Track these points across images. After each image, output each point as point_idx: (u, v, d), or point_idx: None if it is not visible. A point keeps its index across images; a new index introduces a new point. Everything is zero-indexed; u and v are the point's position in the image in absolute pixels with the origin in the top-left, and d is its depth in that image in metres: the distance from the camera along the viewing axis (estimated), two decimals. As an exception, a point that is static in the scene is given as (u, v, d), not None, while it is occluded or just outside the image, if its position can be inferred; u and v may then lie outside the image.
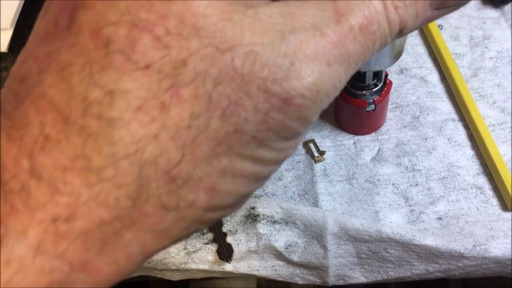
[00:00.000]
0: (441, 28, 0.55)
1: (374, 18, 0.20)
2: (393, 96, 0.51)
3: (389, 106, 0.51)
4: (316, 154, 0.49)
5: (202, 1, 0.16)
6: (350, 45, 0.19)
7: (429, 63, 0.53)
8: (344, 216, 0.44)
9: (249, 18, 0.18)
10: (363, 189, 0.47)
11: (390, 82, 0.45)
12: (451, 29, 0.55)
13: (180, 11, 0.16)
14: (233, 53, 0.17)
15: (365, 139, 0.50)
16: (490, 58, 0.53)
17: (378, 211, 0.45)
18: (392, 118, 0.50)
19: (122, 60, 0.16)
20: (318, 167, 0.48)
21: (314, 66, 0.18)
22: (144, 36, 0.16)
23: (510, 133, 0.48)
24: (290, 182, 0.48)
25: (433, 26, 0.54)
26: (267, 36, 0.18)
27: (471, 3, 0.56)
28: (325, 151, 0.49)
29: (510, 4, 0.56)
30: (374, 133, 0.50)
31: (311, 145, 0.49)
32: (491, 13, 0.56)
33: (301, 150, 0.50)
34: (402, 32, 0.20)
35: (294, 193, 0.48)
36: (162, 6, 0.16)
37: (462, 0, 0.22)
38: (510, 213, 0.44)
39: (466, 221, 0.44)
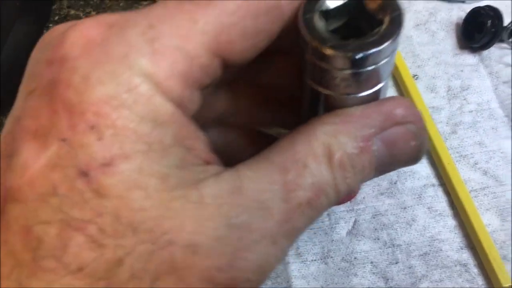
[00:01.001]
0: (417, 78, 0.51)
1: (322, 191, 0.20)
2: (368, 158, 0.47)
3: (365, 170, 0.47)
4: (287, 230, 0.44)
5: (140, 194, 0.15)
6: (297, 220, 0.19)
7: (405, 119, 0.49)
8: (319, 307, 0.40)
9: (191, 204, 0.17)
10: (339, 269, 0.43)
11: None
12: (427, 79, 0.51)
13: (116, 207, 0.15)
14: (172, 247, 0.16)
15: (340, 210, 0.45)
16: (469, 111, 0.49)
17: (356, 297, 0.41)
18: (368, 184, 0.46)
19: (53, 263, 0.15)
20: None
21: (260, 249, 0.18)
22: (77, 236, 0.15)
23: (494, 199, 0.44)
24: (260, 263, 0.44)
25: (407, 77, 0.50)
26: (211, 223, 0.17)
27: (448, 48, 0.52)
28: (297, 226, 0.45)
29: (489, 49, 0.52)
30: (349, 203, 0.46)
31: (282, 219, 0.45)
32: (469, 59, 0.52)
33: (271, 225, 0.45)
34: (347, 194, 0.21)
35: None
36: (96, 203, 0.15)
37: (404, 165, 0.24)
38: (498, 294, 0.40)
39: (451, 306, 0.40)
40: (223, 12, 0.19)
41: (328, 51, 0.21)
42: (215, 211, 0.17)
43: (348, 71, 0.21)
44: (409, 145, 0.23)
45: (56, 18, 0.62)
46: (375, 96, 0.23)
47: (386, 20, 0.21)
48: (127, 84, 0.16)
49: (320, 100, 0.23)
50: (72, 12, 0.62)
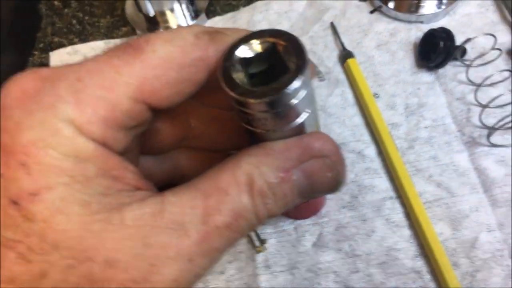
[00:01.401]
0: (377, 96, 0.55)
1: (241, 216, 0.22)
2: (332, 174, 0.51)
3: (329, 185, 0.50)
4: (257, 243, 0.48)
5: (62, 218, 0.18)
6: (215, 241, 0.21)
7: (366, 136, 0.53)
8: (285, 315, 0.44)
9: (112, 225, 0.20)
10: (304, 279, 0.47)
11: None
12: (387, 97, 0.55)
13: (42, 229, 0.18)
14: (91, 262, 0.19)
15: (306, 223, 0.49)
16: (425, 127, 0.53)
17: (320, 305, 0.45)
18: (332, 198, 0.50)
19: None
20: (259, 257, 0.48)
21: (175, 265, 0.20)
22: (9, 252, 0.18)
23: (447, 210, 0.48)
24: (232, 276, 0.48)
25: (368, 95, 0.54)
26: (129, 242, 0.20)
27: (406, 67, 0.56)
28: (266, 240, 0.49)
29: (444, 67, 0.55)
30: (314, 216, 0.49)
31: (252, 234, 0.49)
32: (426, 77, 0.56)
33: (242, 239, 0.49)
34: (271, 217, 0.23)
35: (236, 287, 0.47)
36: (26, 226, 0.18)
37: (326, 193, 0.27)
38: (448, 298, 0.44)
39: (405, 311, 0.44)
40: (147, 66, 0.22)
41: (237, 97, 0.23)
42: (134, 231, 0.20)
43: (262, 113, 0.24)
44: (325, 176, 0.26)
45: (41, 45, 0.65)
46: (299, 128, 0.25)
47: (292, 67, 0.23)
48: (52, 128, 0.19)
49: (251, 134, 0.26)
50: (56, 39, 0.66)
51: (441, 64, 0.54)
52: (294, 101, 0.24)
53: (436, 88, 0.55)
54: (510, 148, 0.50)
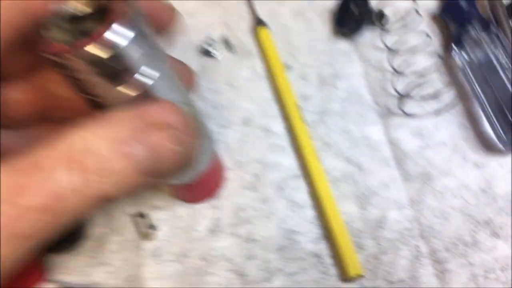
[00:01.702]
0: (289, 67, 0.50)
1: (63, 197, 0.19)
2: (236, 153, 0.46)
3: (230, 165, 0.46)
4: (146, 230, 0.43)
5: None
6: (25, 225, 0.18)
7: (274, 110, 0.48)
8: (165, 308, 0.39)
9: None
10: (195, 268, 0.42)
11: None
12: (300, 68, 0.50)
13: None
14: None
15: (203, 207, 0.44)
16: (338, 99, 0.48)
17: (208, 296, 0.40)
18: (234, 179, 0.45)
19: None
20: (148, 246, 0.43)
21: None
22: None
23: (355, 187, 0.43)
24: (116, 268, 0.43)
25: (277, 66, 0.49)
26: None
27: (322, 35, 0.51)
28: (157, 226, 0.44)
29: (361, 34, 0.50)
30: (213, 199, 0.44)
31: (142, 220, 0.44)
32: (342, 45, 0.51)
33: (131, 226, 0.44)
34: (111, 200, 0.20)
35: (120, 280, 0.42)
36: None
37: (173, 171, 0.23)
38: (350, 284, 0.39)
39: (301, 299, 0.39)
40: None
41: (50, 56, 0.21)
42: None
43: (85, 74, 0.21)
44: (171, 150, 0.22)
45: None
46: (144, 99, 0.23)
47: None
48: None
49: (92, 104, 0.23)
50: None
51: (356, 29, 0.49)
52: (118, 57, 0.21)
53: (352, 56, 0.50)
54: (427, 118, 0.45)
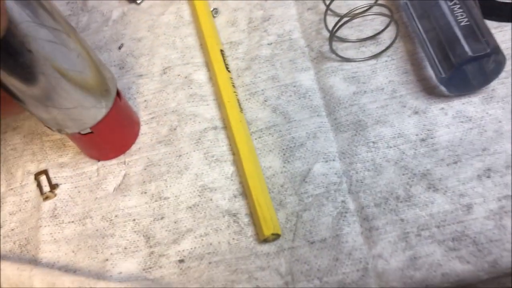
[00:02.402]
0: (216, 12, 0.44)
1: None
2: (151, 104, 0.41)
3: (145, 117, 0.40)
4: (46, 189, 0.38)
5: None
6: None
7: (198, 58, 0.42)
8: (54, 273, 0.34)
9: None
10: (96, 230, 0.36)
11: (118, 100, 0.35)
12: (228, 12, 0.44)
13: None
14: None
15: (111, 163, 0.39)
16: (268, 44, 0.42)
17: (107, 259, 0.35)
18: (146, 133, 0.40)
19: None
20: (46, 206, 0.38)
21: None
22: None
23: (280, 139, 0.37)
24: (12, 230, 0.37)
25: (202, 10, 0.43)
26: None
27: (257, -23, 0.45)
28: (58, 185, 0.38)
29: (297, -26, 0.44)
30: (123, 154, 0.39)
31: (43, 178, 0.38)
32: (277, -13, 0.45)
33: (31, 185, 0.39)
34: None
35: (15, 244, 0.37)
36: None
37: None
38: (266, 246, 0.34)
39: (209, 262, 0.34)
40: None
41: None
42: None
43: None
44: None
45: None
46: None
47: None
48: None
49: None
50: None
51: (290, -32, 0.43)
52: None
53: (287, -2, 0.44)
54: (364, 61, 0.39)
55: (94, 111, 0.33)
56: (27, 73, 0.27)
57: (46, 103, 0.30)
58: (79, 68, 0.30)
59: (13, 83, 0.28)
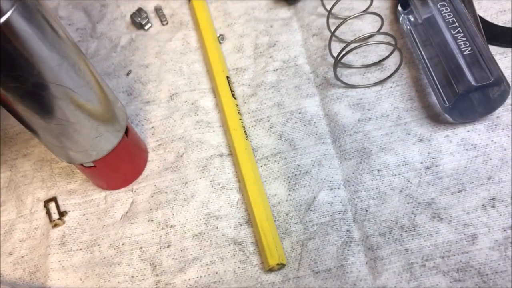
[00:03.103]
0: (223, 38, 0.45)
1: None
2: (159, 131, 0.41)
3: (152, 144, 0.41)
4: (55, 217, 0.38)
5: None
6: None
7: (204, 84, 0.43)
8: (62, 303, 0.34)
9: None
10: (104, 258, 0.37)
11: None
12: (234, 39, 0.45)
13: None
14: None
15: (118, 191, 0.39)
16: (274, 70, 0.42)
17: (115, 288, 0.35)
18: (154, 160, 0.40)
19: None
20: (55, 233, 0.38)
21: None
22: None
23: (285, 166, 0.38)
24: (22, 257, 0.38)
25: (208, 36, 0.43)
26: None
27: (262, 3, 0.46)
28: (67, 212, 0.39)
29: (304, 0, 0.45)
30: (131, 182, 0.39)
31: (52, 205, 0.39)
32: (282, 13, 0.45)
33: (41, 212, 0.39)
34: None
35: (24, 271, 0.37)
36: None
37: None
38: (271, 275, 0.34)
39: (215, 292, 0.34)
40: None
41: None
42: None
43: None
44: None
45: None
46: None
47: None
48: None
49: None
50: None
51: (295, -6, 0.44)
52: None
53: (292, 24, 0.44)
54: (368, 88, 0.39)
55: (108, 143, 0.33)
56: (46, 106, 0.27)
57: (58, 137, 0.30)
58: (92, 100, 0.30)
59: (29, 116, 0.28)
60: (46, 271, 0.36)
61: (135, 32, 0.46)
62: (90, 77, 0.30)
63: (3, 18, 0.23)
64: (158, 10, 0.47)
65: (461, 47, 0.34)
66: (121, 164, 0.36)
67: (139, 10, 0.46)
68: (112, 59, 0.45)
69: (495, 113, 0.36)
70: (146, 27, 0.46)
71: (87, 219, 0.38)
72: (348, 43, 0.36)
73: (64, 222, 0.38)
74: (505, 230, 0.32)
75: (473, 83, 0.33)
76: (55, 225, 0.38)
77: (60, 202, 0.39)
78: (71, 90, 0.28)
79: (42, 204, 0.39)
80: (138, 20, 0.46)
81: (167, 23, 0.46)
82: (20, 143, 0.42)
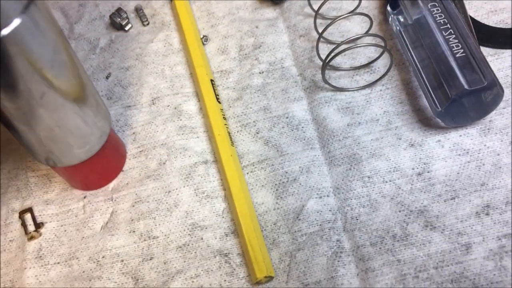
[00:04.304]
0: (206, 39, 0.43)
1: None
2: (140, 137, 0.39)
3: (134, 151, 0.39)
4: (31, 228, 0.36)
5: None
6: None
7: (188, 88, 0.41)
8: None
9: None
10: (83, 272, 0.35)
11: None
12: (218, 40, 0.43)
13: None
14: None
15: (98, 200, 0.37)
16: (259, 73, 0.40)
17: (94, 304, 0.33)
18: (134, 167, 0.38)
19: None
20: (31, 246, 0.36)
21: None
22: None
23: (272, 173, 0.36)
24: (-4, 272, 0.36)
25: (191, 37, 0.42)
26: None
27: (248, 2, 0.44)
28: (43, 223, 0.36)
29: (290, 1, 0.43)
30: (110, 190, 0.37)
31: (27, 216, 0.37)
32: (268, 13, 0.43)
33: (16, 223, 0.37)
34: None
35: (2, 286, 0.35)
36: None
37: None
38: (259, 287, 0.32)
39: (201, 307, 0.32)
40: None
41: None
42: None
43: None
44: None
45: None
46: None
47: None
48: None
49: None
50: None
51: (281, -6, 0.42)
52: None
53: (278, 25, 0.42)
54: (357, 90, 0.38)
55: (94, 143, 0.32)
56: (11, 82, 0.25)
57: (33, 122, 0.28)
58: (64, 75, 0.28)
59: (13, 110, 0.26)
60: (22, 286, 0.34)
61: (115, 33, 0.44)
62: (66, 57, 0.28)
63: None
64: (138, 10, 0.45)
65: (453, 49, 0.33)
66: (102, 161, 0.35)
67: (119, 10, 0.44)
68: (91, 61, 0.43)
69: (488, 117, 0.35)
70: (126, 28, 0.44)
71: (65, 231, 0.36)
72: (337, 45, 0.35)
73: (40, 234, 0.36)
74: (499, 239, 0.31)
75: (466, 87, 0.31)
76: (31, 238, 0.36)
77: (36, 213, 0.37)
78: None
79: (17, 215, 0.37)
80: (118, 21, 0.44)
81: (148, 24, 0.44)
82: (-7, 151, 0.40)
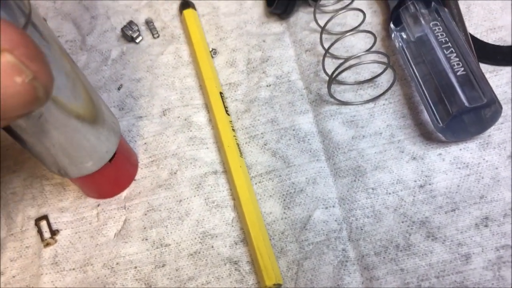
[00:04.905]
0: (215, 52, 0.44)
1: None
2: (151, 147, 0.40)
3: (145, 161, 0.40)
4: (46, 235, 0.37)
5: None
6: None
7: (197, 100, 0.42)
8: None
9: None
10: (98, 278, 0.36)
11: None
12: (227, 53, 0.44)
13: None
14: None
15: (111, 208, 0.38)
16: (267, 85, 0.42)
17: (109, 309, 0.34)
18: (147, 176, 0.39)
19: None
20: (47, 253, 0.37)
21: None
22: None
23: (279, 183, 0.37)
24: (13, 277, 0.37)
25: (201, 50, 0.43)
26: None
27: (254, 17, 0.45)
28: (59, 230, 0.38)
29: (297, 15, 0.44)
30: (123, 199, 0.38)
31: (43, 224, 0.38)
32: (275, 27, 0.45)
33: (32, 230, 0.38)
34: None
35: (15, 292, 0.36)
36: None
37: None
38: (267, 294, 0.33)
39: (211, 313, 0.33)
40: None
41: None
42: None
43: None
44: (13, 81, 0.18)
45: None
46: None
47: None
48: None
49: None
50: None
51: (288, 10, 0.43)
52: None
53: (285, 39, 0.44)
54: (361, 104, 0.39)
55: (106, 151, 0.33)
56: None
57: (41, 139, 0.29)
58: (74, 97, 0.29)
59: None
60: (38, 292, 0.35)
61: (126, 44, 0.45)
62: (77, 80, 0.29)
63: None
64: (149, 23, 0.46)
65: (454, 67, 0.34)
66: (115, 170, 0.36)
67: (130, 23, 0.45)
68: (103, 72, 0.44)
69: (487, 132, 0.36)
70: (137, 40, 0.45)
71: (79, 238, 0.37)
72: (343, 62, 0.36)
73: (56, 241, 0.37)
74: (498, 250, 0.32)
75: (466, 104, 0.33)
76: (47, 244, 0.37)
77: (51, 220, 0.38)
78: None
79: (33, 222, 0.38)
80: (129, 33, 0.45)
81: (158, 36, 0.46)
82: (9, 159, 0.41)
